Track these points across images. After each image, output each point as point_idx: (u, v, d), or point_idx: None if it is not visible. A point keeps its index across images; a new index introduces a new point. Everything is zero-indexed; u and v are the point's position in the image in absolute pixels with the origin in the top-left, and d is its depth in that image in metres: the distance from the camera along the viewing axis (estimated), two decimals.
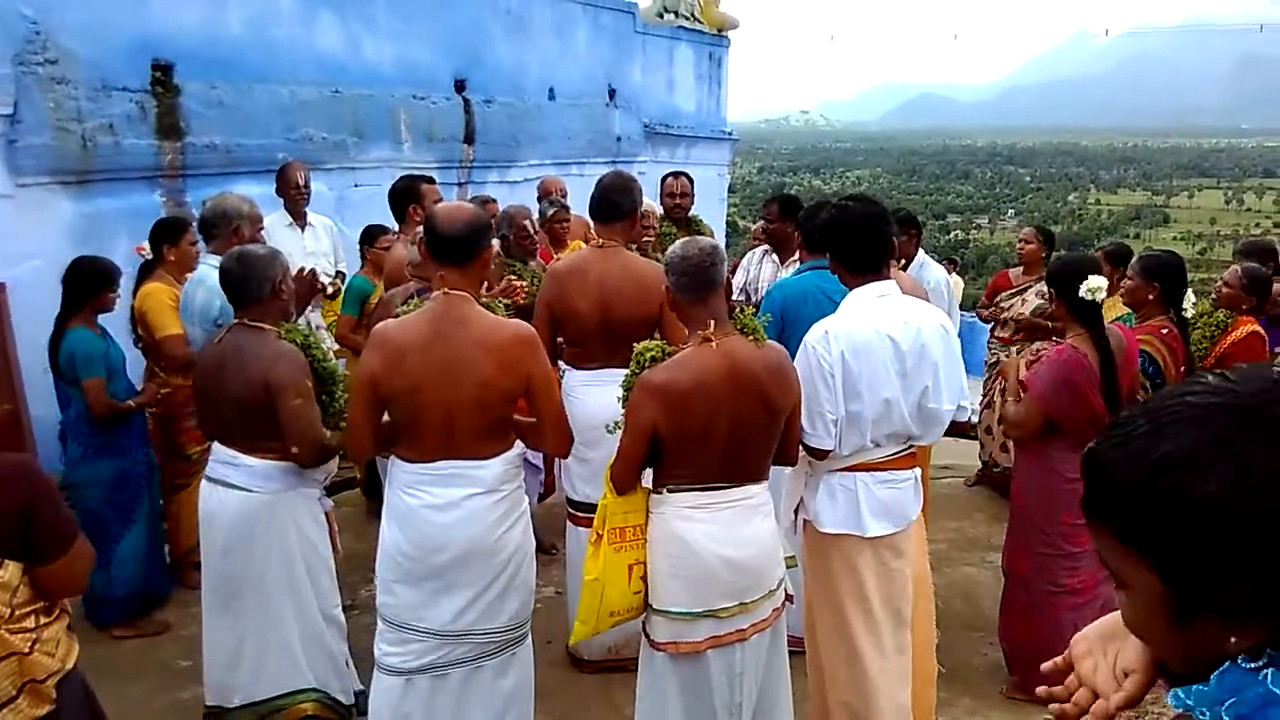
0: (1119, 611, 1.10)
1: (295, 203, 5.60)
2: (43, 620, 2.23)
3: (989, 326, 6.59)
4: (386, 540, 2.98)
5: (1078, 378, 3.59)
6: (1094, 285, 3.57)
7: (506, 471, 2.98)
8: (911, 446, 3.16)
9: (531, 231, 4.66)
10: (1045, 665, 1.27)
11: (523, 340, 2.90)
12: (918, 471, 3.22)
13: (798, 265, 4.41)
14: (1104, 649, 1.21)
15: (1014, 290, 6.19)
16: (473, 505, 2.89)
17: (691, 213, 5.92)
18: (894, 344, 2.97)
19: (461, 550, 2.89)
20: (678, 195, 5.73)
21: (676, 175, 5.87)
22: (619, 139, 10.21)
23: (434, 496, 2.89)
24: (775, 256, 5.48)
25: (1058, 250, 6.17)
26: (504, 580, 2.97)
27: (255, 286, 3.25)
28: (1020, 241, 6.37)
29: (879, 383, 2.96)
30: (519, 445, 3.05)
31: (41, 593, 2.23)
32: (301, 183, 5.59)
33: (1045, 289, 5.96)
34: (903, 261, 4.95)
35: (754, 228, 6.58)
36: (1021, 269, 6.25)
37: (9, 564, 2.14)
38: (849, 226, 3.09)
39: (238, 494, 3.24)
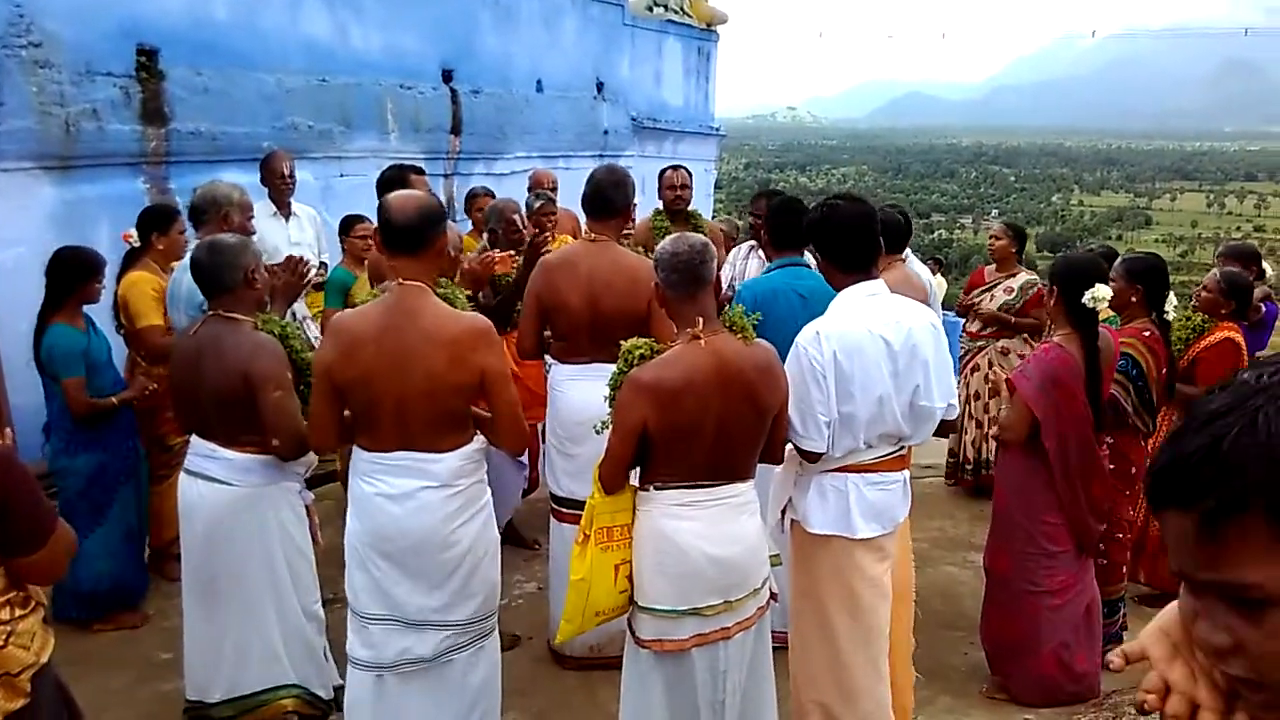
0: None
1: (280, 192, 5.54)
2: (17, 613, 2.20)
3: (961, 322, 6.66)
4: (349, 526, 2.98)
5: (1065, 376, 3.60)
6: (1099, 295, 3.57)
7: (463, 467, 2.94)
8: (902, 447, 3.16)
9: (520, 225, 4.64)
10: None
11: (475, 333, 2.86)
12: (907, 474, 3.22)
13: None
14: (1191, 650, 1.03)
15: (985, 286, 6.28)
16: (426, 498, 2.87)
17: (691, 207, 5.85)
18: (886, 344, 2.96)
19: (414, 542, 2.88)
20: (678, 187, 5.64)
21: (676, 168, 5.77)
22: (606, 132, 10.19)
23: (389, 486, 2.88)
24: (761, 253, 5.47)
25: (1052, 252, 6.22)
26: (462, 574, 2.95)
27: (228, 276, 3.21)
28: (991, 238, 6.44)
29: (872, 383, 2.95)
30: (479, 440, 3.02)
31: (18, 580, 2.20)
32: (286, 172, 5.54)
33: (1013, 285, 6.11)
34: (906, 255, 4.95)
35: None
36: (995, 266, 6.32)
37: None
38: (839, 226, 3.07)
39: (217, 487, 3.21)
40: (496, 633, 3.16)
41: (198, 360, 3.19)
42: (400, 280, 2.84)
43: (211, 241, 3.31)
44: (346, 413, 2.94)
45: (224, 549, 3.22)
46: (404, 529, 2.87)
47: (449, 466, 2.90)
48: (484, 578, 3.02)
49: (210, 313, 3.26)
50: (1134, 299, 4.21)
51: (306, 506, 3.43)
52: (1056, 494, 3.66)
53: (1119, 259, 4.48)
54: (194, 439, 3.31)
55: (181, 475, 3.32)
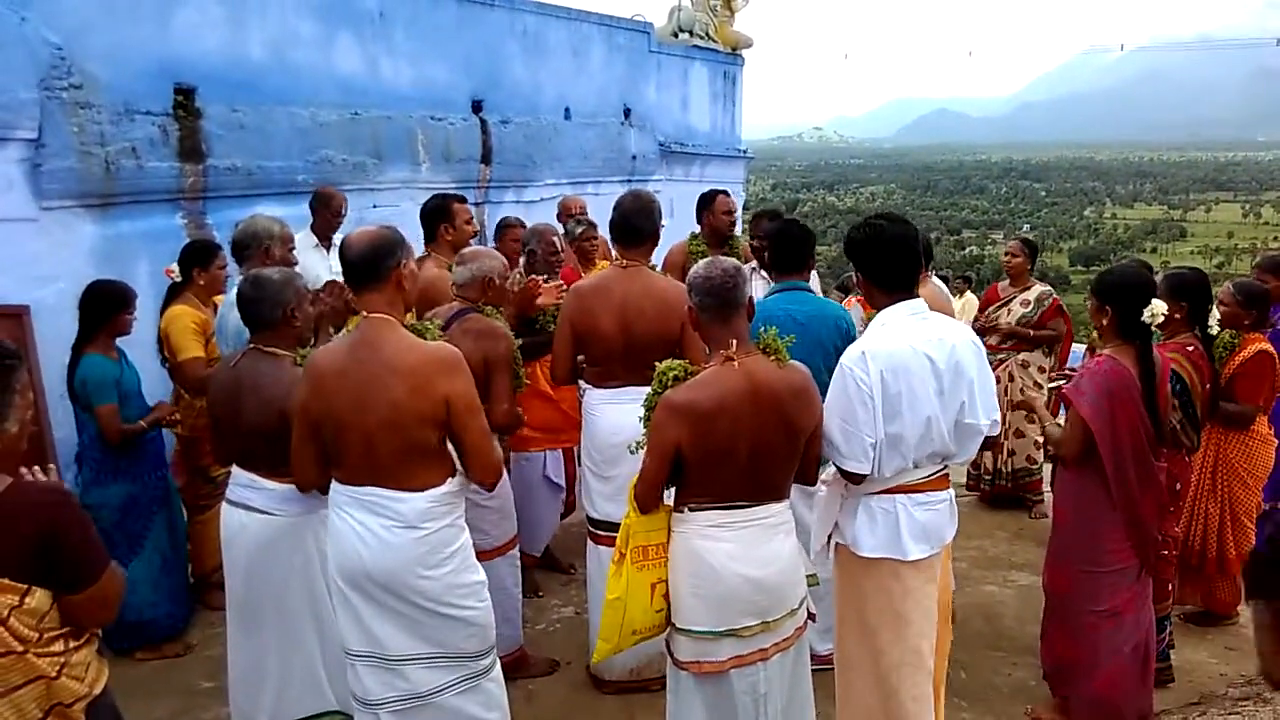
0: None
1: (330, 227, 5.66)
2: (71, 644, 2.24)
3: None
4: (329, 561, 2.99)
5: (1119, 389, 3.51)
6: (1158, 310, 3.53)
7: (431, 509, 2.86)
8: (946, 467, 3.14)
9: (559, 248, 4.65)
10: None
11: (437, 361, 2.83)
12: (952, 492, 3.20)
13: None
14: None
15: (1001, 302, 6.32)
16: (390, 539, 2.82)
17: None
18: (931, 362, 2.95)
19: (379, 581, 2.84)
20: (733, 212, 5.61)
21: (726, 193, 5.71)
22: (634, 157, 10.25)
23: (356, 521, 2.85)
24: (765, 274, 5.45)
25: (1086, 266, 6.20)
26: (439, 617, 2.89)
27: (268, 311, 3.26)
28: (1007, 254, 6.49)
29: (919, 402, 2.93)
30: (453, 483, 2.93)
31: (72, 621, 2.24)
32: (344, 211, 5.68)
33: (1029, 298, 6.11)
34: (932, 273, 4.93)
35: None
36: (1008, 281, 6.35)
37: (36, 590, 2.16)
38: (882, 245, 3.05)
39: (258, 517, 3.24)
40: (498, 670, 3.09)
41: (237, 393, 3.23)
42: (366, 313, 2.86)
43: (255, 276, 3.35)
44: None
45: (266, 577, 3.25)
46: (371, 567, 2.83)
47: (415, 508, 2.84)
48: (466, 620, 2.93)
49: (251, 346, 3.31)
50: (1178, 315, 4.15)
51: None
52: (1116, 510, 3.57)
53: (1162, 274, 4.41)
54: (235, 469, 3.35)
55: (224, 505, 3.36)
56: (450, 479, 2.93)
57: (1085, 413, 3.54)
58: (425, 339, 2.99)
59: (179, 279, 4.67)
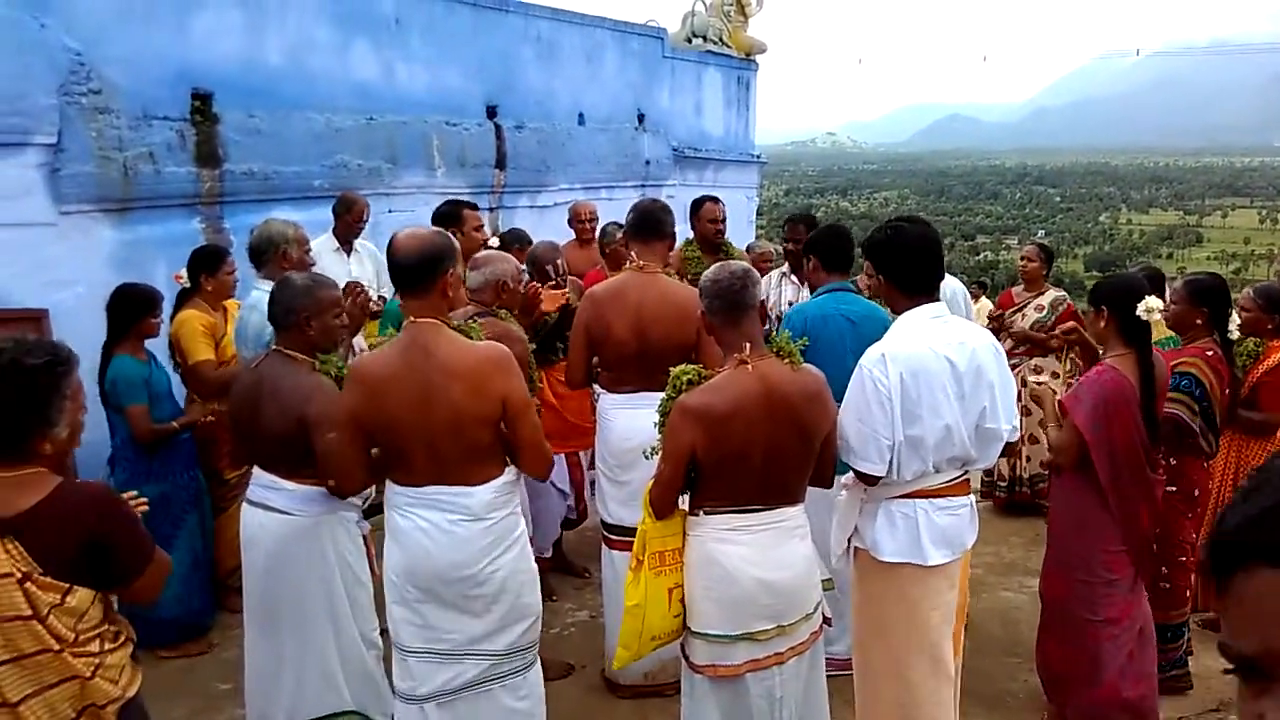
0: None
1: (352, 232, 5.68)
2: (107, 646, 2.28)
3: None
4: (388, 560, 2.99)
5: (1116, 399, 3.48)
6: (1152, 305, 3.51)
7: (495, 500, 2.93)
8: (967, 471, 3.13)
9: (554, 275, 4.63)
10: None
11: (492, 361, 2.87)
12: (973, 497, 3.19)
13: (810, 288, 4.33)
14: None
15: (1015, 307, 6.29)
16: (460, 532, 2.88)
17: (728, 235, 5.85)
18: (951, 365, 2.94)
19: (450, 576, 2.89)
20: (720, 221, 5.59)
21: (715, 200, 5.71)
22: (648, 163, 10.26)
23: (423, 520, 2.89)
24: (795, 278, 5.45)
25: (1102, 272, 6.18)
26: (500, 608, 2.95)
27: (281, 315, 3.28)
28: (1023, 260, 6.48)
29: (939, 405, 2.92)
30: (510, 472, 3.01)
31: (109, 612, 2.33)
32: (366, 217, 5.71)
33: (1043, 303, 6.09)
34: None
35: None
36: (1023, 286, 6.33)
37: (78, 590, 2.19)
38: (904, 248, 3.05)
39: (278, 517, 3.26)
40: (539, 662, 3.16)
41: (257, 396, 3.24)
42: (413, 319, 2.86)
43: (284, 279, 3.39)
44: (374, 450, 2.97)
45: (284, 578, 3.27)
46: (440, 563, 2.88)
47: (481, 500, 2.90)
48: (523, 608, 3.02)
49: (274, 348, 3.33)
50: (1199, 321, 4.13)
51: (364, 536, 3.46)
52: (1113, 519, 3.54)
53: (1181, 281, 4.38)
54: (255, 470, 3.37)
55: (244, 505, 3.38)
56: (507, 468, 2.99)
57: (1080, 421, 3.50)
58: (471, 340, 3.01)
59: (188, 284, 4.69)
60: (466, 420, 2.82)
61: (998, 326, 6.31)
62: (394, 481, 2.96)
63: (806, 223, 5.23)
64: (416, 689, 2.97)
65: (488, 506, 2.91)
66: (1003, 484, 6.39)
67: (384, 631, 3.56)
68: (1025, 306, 6.25)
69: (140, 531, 2.34)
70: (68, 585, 2.18)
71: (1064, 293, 6.41)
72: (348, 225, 5.65)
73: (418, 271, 2.85)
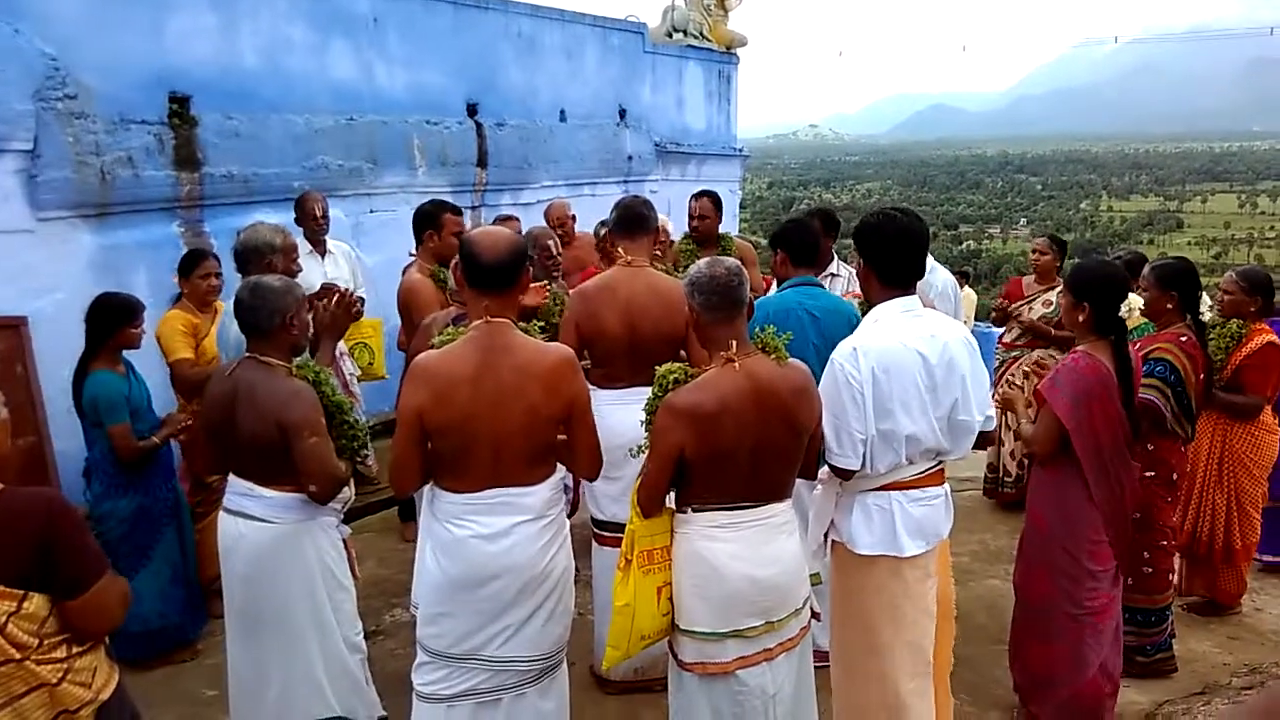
0: None
1: (315, 232, 5.65)
2: (74, 650, 2.23)
3: (993, 334, 6.60)
4: (431, 572, 2.91)
5: (1097, 386, 3.44)
6: (1134, 304, 3.50)
7: (552, 497, 2.96)
8: (941, 462, 3.14)
9: (555, 252, 4.66)
10: None
11: (565, 362, 2.89)
12: (947, 487, 3.20)
13: (778, 281, 4.32)
14: None
15: (1024, 299, 6.24)
16: (521, 532, 2.86)
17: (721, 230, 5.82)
18: (923, 358, 2.95)
19: (513, 578, 2.85)
20: (696, 217, 5.63)
21: (698, 196, 5.75)
22: (630, 158, 10.25)
23: (483, 526, 2.84)
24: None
25: (1071, 258, 6.17)
26: (550, 605, 2.95)
27: (265, 319, 3.21)
28: (1034, 252, 6.36)
29: (910, 398, 2.94)
30: (561, 469, 3.02)
31: (72, 629, 2.23)
32: (319, 213, 5.64)
33: (1051, 298, 6.06)
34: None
35: None
36: (1034, 277, 6.27)
37: (34, 596, 2.14)
38: (889, 237, 3.05)
39: (256, 525, 3.22)
40: (565, 661, 3.14)
41: (232, 403, 3.18)
42: (488, 319, 2.84)
43: (255, 283, 3.29)
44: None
45: (265, 585, 3.24)
46: (502, 566, 2.84)
47: (541, 498, 2.90)
48: (567, 607, 3.04)
49: (247, 355, 3.26)
50: (1169, 306, 4.15)
51: (344, 540, 3.45)
52: (1098, 508, 3.50)
53: (1148, 266, 4.39)
54: (231, 477, 3.33)
55: (221, 514, 3.34)
56: (557, 465, 3.01)
57: (1060, 409, 3.45)
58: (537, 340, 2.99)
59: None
60: (540, 421, 2.83)
61: (1004, 316, 6.30)
62: (445, 489, 2.90)
63: (824, 218, 5.19)
64: (453, 688, 2.91)
65: (547, 504, 2.92)
66: (1008, 480, 6.31)
67: (369, 635, 3.56)
68: (1034, 300, 6.15)
69: (89, 541, 2.25)
70: (23, 592, 2.12)
71: None
72: (309, 227, 5.62)
73: (507, 272, 2.84)
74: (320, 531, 3.31)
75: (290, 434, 3.09)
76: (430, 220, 4.77)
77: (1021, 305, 6.21)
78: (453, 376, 2.78)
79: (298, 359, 3.32)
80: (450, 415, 2.77)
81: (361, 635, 3.51)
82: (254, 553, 3.23)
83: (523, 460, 2.85)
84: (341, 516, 3.45)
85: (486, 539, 2.83)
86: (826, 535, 3.20)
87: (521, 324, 2.99)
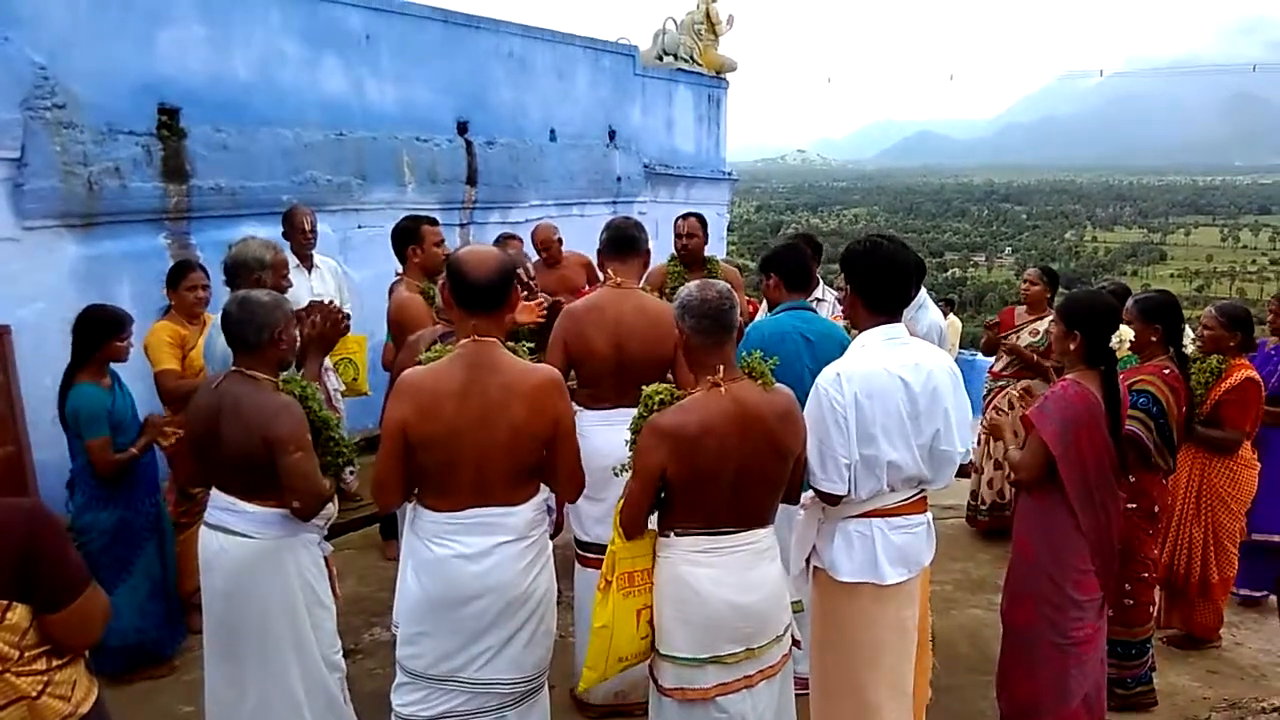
0: None
1: (302, 246, 5.62)
2: (54, 663, 2.19)
3: (980, 362, 6.64)
4: (412, 592, 2.90)
5: (1084, 414, 3.44)
6: (1125, 336, 3.52)
7: (535, 517, 2.95)
8: (923, 490, 3.15)
9: (530, 276, 4.63)
10: None
11: (553, 383, 2.89)
12: (929, 515, 3.20)
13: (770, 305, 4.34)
14: None
15: (1014, 329, 6.28)
16: (503, 553, 2.85)
17: (707, 253, 5.83)
18: (906, 386, 2.97)
19: (493, 598, 2.84)
20: (684, 236, 5.64)
21: (685, 216, 5.77)
22: (619, 179, 10.29)
23: (465, 546, 2.83)
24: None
25: (1068, 289, 6.19)
26: (531, 627, 2.94)
27: (253, 333, 3.19)
28: (1025, 283, 6.40)
29: (892, 425, 2.95)
30: (544, 490, 3.02)
31: (53, 643, 2.20)
32: (307, 227, 5.62)
33: (1039, 328, 6.09)
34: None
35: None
36: (1025, 308, 6.32)
37: (17, 606, 2.11)
38: (877, 265, 3.07)
39: (238, 540, 3.19)
40: (546, 684, 3.13)
41: (217, 417, 3.16)
42: (475, 337, 2.84)
43: (244, 297, 3.27)
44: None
45: (246, 602, 3.20)
46: (484, 586, 2.83)
47: (524, 518, 2.90)
48: (549, 629, 3.03)
49: (233, 369, 3.24)
50: (1153, 339, 4.17)
51: (325, 558, 3.42)
52: (1085, 537, 3.48)
53: (1132, 299, 4.40)
54: (214, 492, 3.30)
55: (202, 528, 3.31)
56: (542, 485, 3.00)
57: (1048, 436, 3.44)
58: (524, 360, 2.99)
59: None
60: (524, 440, 2.82)
61: (995, 343, 6.33)
62: (428, 508, 2.89)
63: (807, 243, 5.19)
64: (431, 709, 2.89)
65: (530, 524, 2.92)
66: (983, 507, 6.37)
67: (348, 653, 3.53)
68: (1022, 329, 6.20)
69: (72, 553, 2.22)
70: (5, 603, 2.09)
71: None
72: (296, 241, 5.59)
73: (495, 292, 2.85)
74: (302, 548, 3.28)
75: (276, 449, 3.07)
76: (410, 235, 4.77)
77: (1010, 334, 6.26)
78: (438, 391, 2.78)
79: (284, 374, 3.30)
80: (434, 430, 2.76)
81: (340, 654, 3.47)
82: (234, 568, 3.20)
83: (506, 480, 2.84)
84: (324, 533, 3.42)
85: (468, 559, 2.82)
86: (808, 561, 3.20)
87: (509, 343, 2.98)
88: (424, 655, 2.89)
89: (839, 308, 4.79)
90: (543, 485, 3.02)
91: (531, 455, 2.88)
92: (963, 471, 3.24)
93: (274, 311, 3.24)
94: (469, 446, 2.77)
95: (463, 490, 2.82)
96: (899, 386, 2.97)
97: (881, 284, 3.07)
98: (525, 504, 2.91)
